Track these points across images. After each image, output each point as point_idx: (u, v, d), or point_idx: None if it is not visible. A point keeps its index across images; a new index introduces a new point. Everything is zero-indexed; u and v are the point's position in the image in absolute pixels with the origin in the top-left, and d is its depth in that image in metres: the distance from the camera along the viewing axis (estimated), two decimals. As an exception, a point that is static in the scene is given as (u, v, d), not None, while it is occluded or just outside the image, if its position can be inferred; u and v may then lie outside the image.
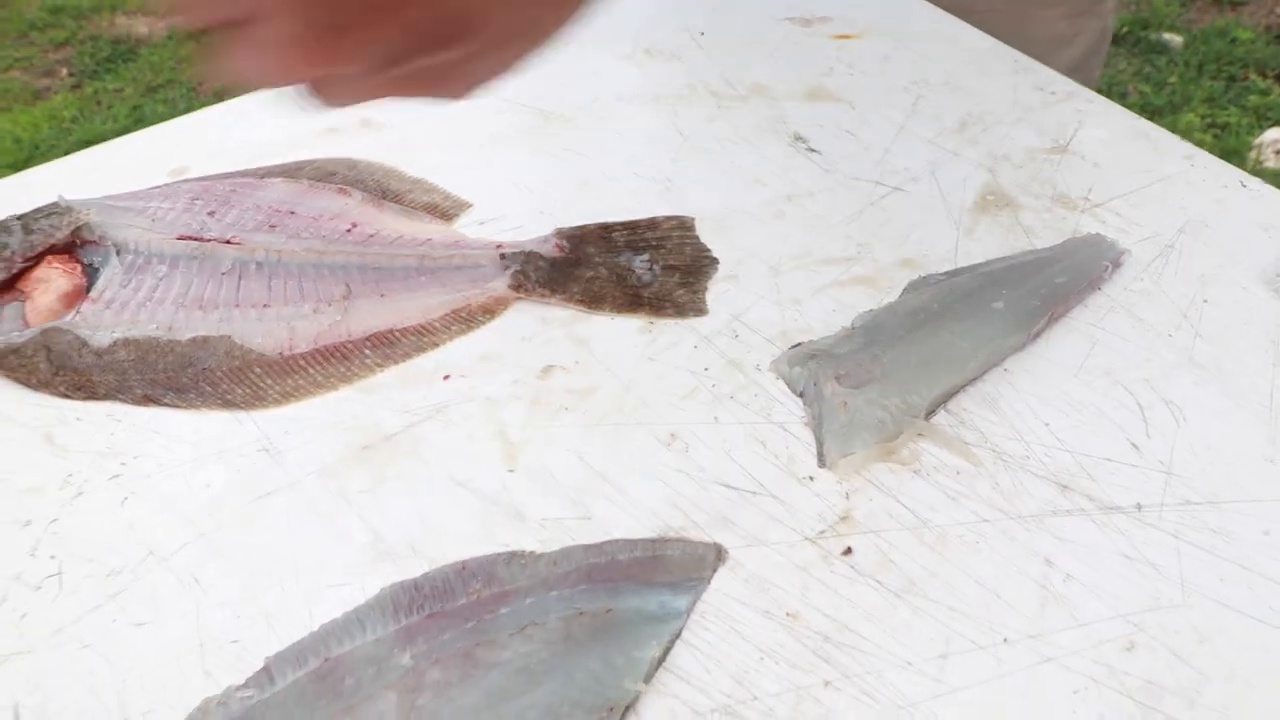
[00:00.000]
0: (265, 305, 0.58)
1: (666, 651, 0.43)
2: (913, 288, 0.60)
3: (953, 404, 0.54)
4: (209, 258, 0.59)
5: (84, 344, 0.55)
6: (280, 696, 0.41)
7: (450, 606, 0.43)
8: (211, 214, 0.62)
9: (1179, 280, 0.62)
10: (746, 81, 0.79)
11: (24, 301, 0.57)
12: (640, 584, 0.45)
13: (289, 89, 0.37)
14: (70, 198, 0.62)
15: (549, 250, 0.62)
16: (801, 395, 0.54)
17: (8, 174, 0.71)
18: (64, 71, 2.73)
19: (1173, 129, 1.95)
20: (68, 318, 0.56)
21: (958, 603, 0.46)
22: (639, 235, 0.64)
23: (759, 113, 0.75)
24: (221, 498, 0.50)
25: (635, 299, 0.60)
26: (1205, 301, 0.61)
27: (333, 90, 0.37)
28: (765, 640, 0.44)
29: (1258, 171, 2.18)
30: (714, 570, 0.46)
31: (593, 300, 0.60)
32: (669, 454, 0.52)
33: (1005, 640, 0.44)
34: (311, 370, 0.55)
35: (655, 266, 0.62)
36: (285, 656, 0.42)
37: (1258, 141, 2.32)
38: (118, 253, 0.59)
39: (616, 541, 0.47)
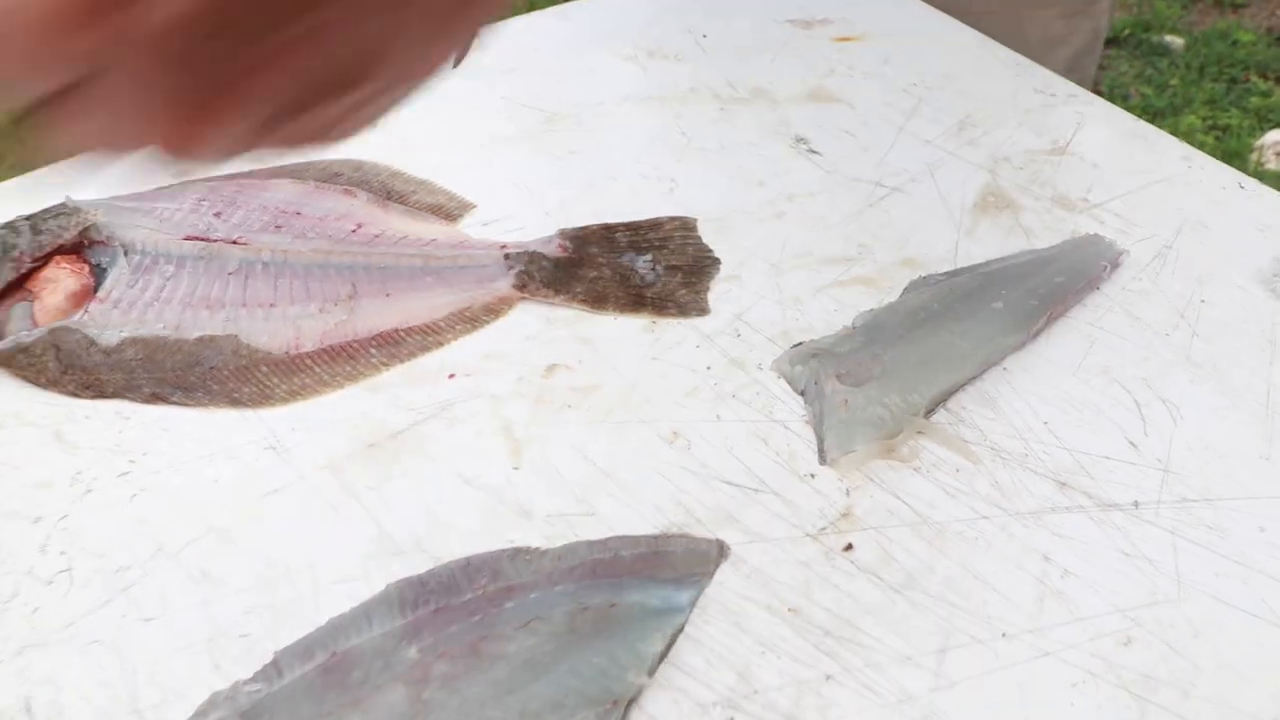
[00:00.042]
0: (271, 305, 0.58)
1: (670, 645, 0.44)
2: (913, 287, 0.61)
3: (952, 402, 0.55)
4: (215, 258, 0.60)
5: (92, 343, 0.56)
6: (288, 690, 0.42)
7: (456, 601, 0.44)
8: (218, 214, 0.62)
9: (1177, 280, 0.63)
10: (748, 83, 0.79)
11: (33, 301, 0.58)
12: (644, 579, 0.45)
13: (138, 153, 0.32)
14: (78, 198, 0.62)
15: (553, 251, 0.63)
16: (803, 393, 0.55)
17: (16, 175, 0.72)
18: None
19: (1174, 131, 1.96)
20: (76, 317, 0.57)
21: (957, 598, 0.46)
22: (642, 236, 0.64)
23: (761, 114, 0.76)
24: (229, 494, 0.51)
25: (638, 299, 0.61)
26: (1203, 301, 0.61)
27: (195, 150, 0.32)
28: (767, 634, 0.45)
29: (1259, 173, 2.19)
30: (716, 566, 0.47)
31: (596, 300, 0.60)
32: (672, 451, 0.52)
33: (1004, 635, 0.45)
34: (318, 369, 0.56)
35: (658, 267, 0.62)
36: (293, 650, 0.43)
37: (1259, 143, 2.32)
38: (125, 253, 0.59)
39: (620, 538, 0.47)
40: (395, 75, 0.33)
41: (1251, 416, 0.55)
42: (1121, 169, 0.71)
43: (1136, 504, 0.50)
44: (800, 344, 0.57)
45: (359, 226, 0.63)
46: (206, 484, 0.51)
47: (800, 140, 0.73)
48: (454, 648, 0.42)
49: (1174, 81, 2.54)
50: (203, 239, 0.60)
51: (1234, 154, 2.27)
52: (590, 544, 0.47)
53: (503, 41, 0.84)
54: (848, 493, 0.50)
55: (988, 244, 0.65)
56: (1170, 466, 0.52)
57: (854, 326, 0.58)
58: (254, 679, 0.42)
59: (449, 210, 0.66)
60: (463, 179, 0.69)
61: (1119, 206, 0.68)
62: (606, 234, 0.64)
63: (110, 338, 0.56)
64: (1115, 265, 0.63)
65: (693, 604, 0.45)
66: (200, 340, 0.56)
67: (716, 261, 0.63)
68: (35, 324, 0.57)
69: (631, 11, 0.88)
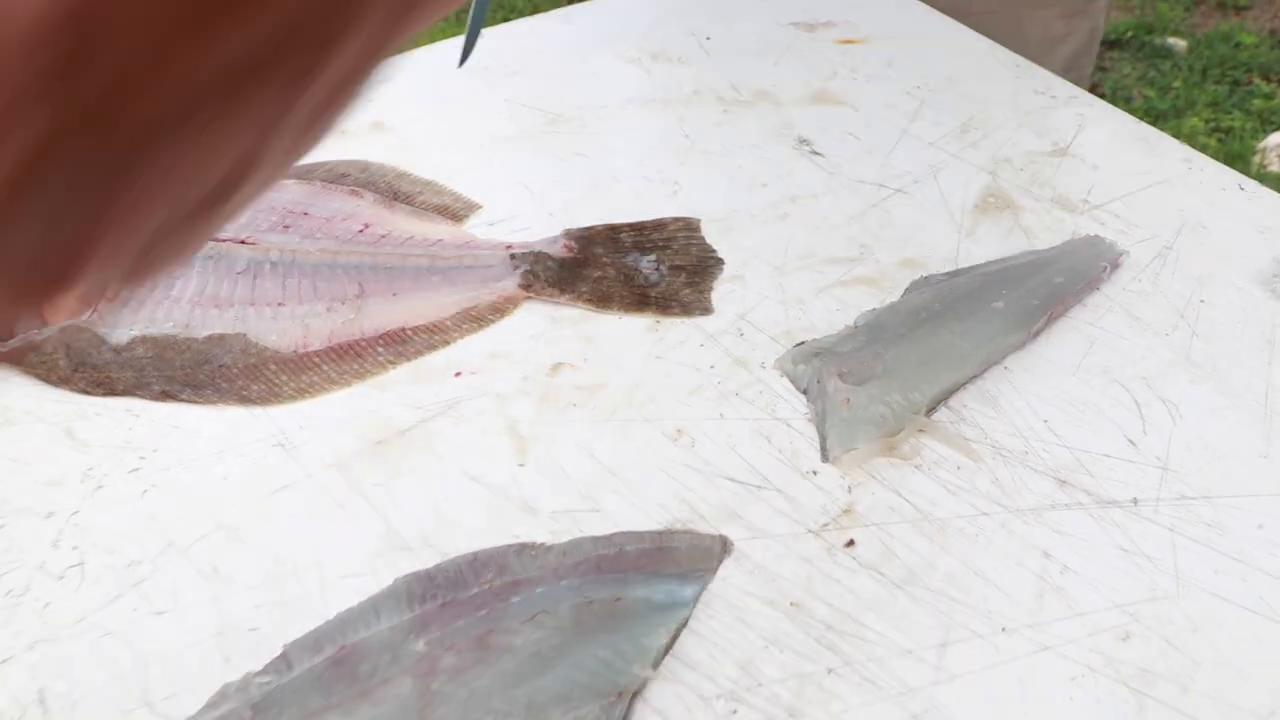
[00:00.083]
0: (280, 304, 0.59)
1: (674, 639, 0.44)
2: (914, 287, 0.61)
3: (953, 401, 0.55)
4: (224, 257, 0.60)
5: (103, 341, 0.57)
6: (298, 682, 0.42)
7: (463, 595, 0.45)
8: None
9: (1176, 280, 0.63)
10: (752, 86, 0.80)
11: (44, 300, 0.58)
12: (648, 574, 0.46)
13: None
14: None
15: (558, 251, 0.63)
16: (805, 392, 0.56)
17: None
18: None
19: (1177, 133, 1.96)
20: (86, 316, 0.58)
21: (957, 593, 0.47)
22: (646, 236, 0.65)
23: (764, 117, 0.77)
24: (238, 491, 0.51)
25: (642, 298, 0.61)
26: (1202, 301, 0.62)
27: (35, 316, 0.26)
28: (770, 629, 0.45)
29: (1262, 176, 2.19)
30: (720, 561, 0.47)
31: (601, 299, 0.61)
32: (676, 449, 0.53)
33: (1004, 629, 0.45)
34: (326, 367, 0.57)
35: (662, 267, 0.63)
36: (303, 643, 0.44)
37: (1262, 145, 2.33)
38: (136, 252, 0.60)
39: (625, 533, 0.48)
40: (269, 175, 0.27)
41: (1250, 416, 0.56)
42: (1122, 170, 0.72)
43: (1136, 501, 0.51)
44: (803, 343, 0.58)
45: (366, 227, 0.64)
46: (216, 481, 0.52)
47: (803, 142, 0.74)
48: (461, 641, 0.43)
49: (1177, 84, 2.54)
50: (213, 240, 0.61)
51: (1237, 156, 2.28)
52: (595, 540, 0.48)
53: (507, 44, 0.84)
54: (850, 490, 0.51)
55: (989, 245, 0.65)
56: (1169, 465, 0.53)
57: (856, 326, 0.59)
58: (264, 671, 0.43)
59: (455, 211, 0.67)
60: (468, 180, 0.69)
61: (1119, 208, 0.68)
62: (611, 234, 0.65)
63: (120, 336, 0.57)
64: (1115, 266, 0.63)
65: (696, 599, 0.46)
66: (209, 339, 0.57)
67: (720, 262, 0.64)
68: (46, 323, 0.57)
69: (635, 14, 0.89)
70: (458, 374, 0.57)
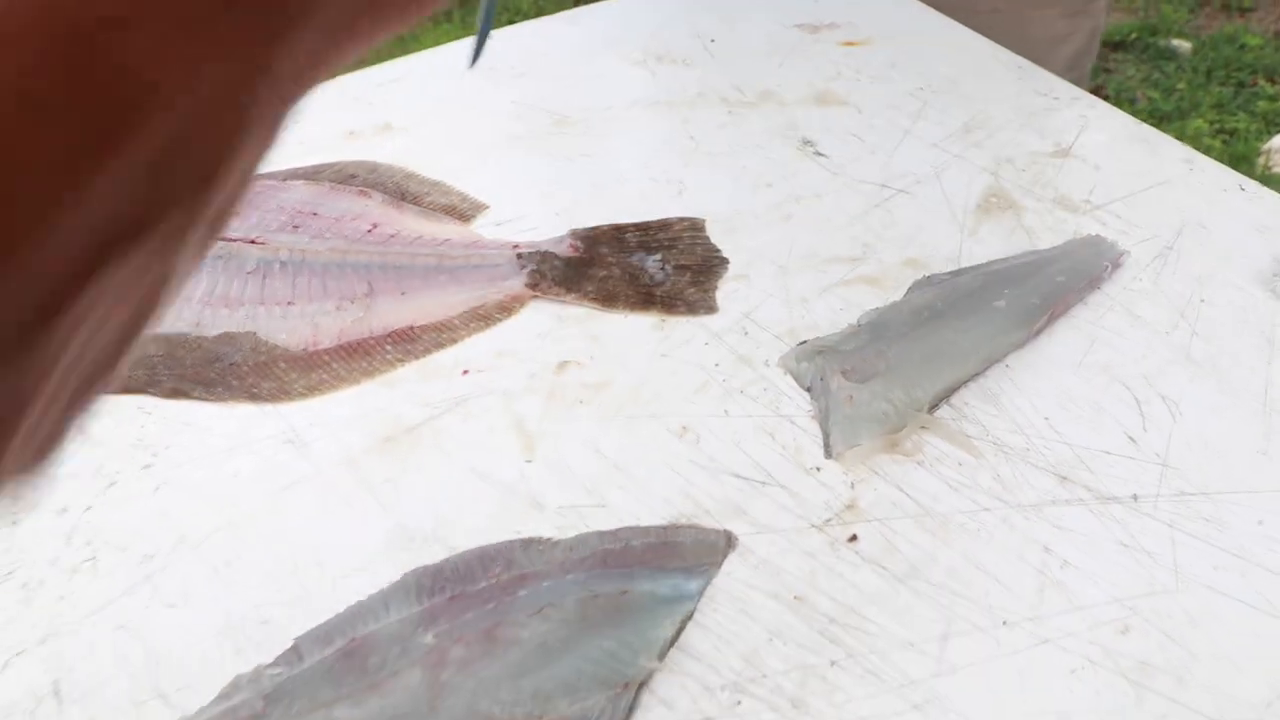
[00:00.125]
0: (289, 303, 0.60)
1: (679, 631, 0.45)
2: (917, 287, 0.62)
3: (955, 398, 0.56)
4: (234, 257, 0.61)
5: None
6: (308, 673, 0.43)
7: (471, 589, 0.45)
8: (235, 215, 0.64)
9: (1177, 280, 0.64)
10: (756, 87, 0.81)
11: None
12: (654, 569, 0.47)
13: None
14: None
15: (564, 250, 0.64)
16: (809, 389, 0.56)
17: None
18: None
19: (1181, 135, 1.96)
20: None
21: (959, 587, 0.47)
22: (651, 236, 0.66)
23: (768, 118, 0.77)
24: (249, 487, 0.52)
25: (648, 297, 0.62)
26: (1202, 301, 0.62)
27: None
28: (774, 622, 0.46)
29: (1266, 177, 2.19)
30: (725, 556, 0.48)
31: (607, 298, 0.62)
32: (681, 445, 0.54)
33: (1004, 623, 0.46)
34: (335, 365, 0.57)
35: (667, 266, 0.64)
36: (313, 636, 0.44)
37: (1266, 147, 2.33)
38: (147, 252, 0.61)
39: (630, 528, 0.49)
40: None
41: (1250, 413, 0.56)
42: (1123, 171, 0.72)
43: (1135, 497, 0.51)
44: (806, 341, 0.58)
45: (374, 226, 0.64)
46: (227, 477, 0.52)
47: (807, 143, 0.75)
48: (469, 633, 0.43)
49: (1181, 85, 2.54)
50: (221, 239, 0.62)
51: (1241, 158, 2.28)
52: (601, 534, 0.48)
53: (513, 46, 0.85)
54: (852, 485, 0.52)
55: (991, 244, 0.66)
56: (1169, 461, 0.53)
57: (859, 324, 0.59)
58: (275, 663, 0.43)
59: (462, 211, 0.68)
60: (475, 180, 0.70)
61: (1120, 208, 0.69)
62: (617, 234, 0.66)
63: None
64: (1116, 265, 0.64)
65: (701, 592, 0.46)
66: (220, 337, 0.58)
67: (725, 261, 0.64)
68: None
69: (640, 17, 0.89)
70: (465, 372, 0.57)
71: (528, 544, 0.48)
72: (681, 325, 0.60)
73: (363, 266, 0.62)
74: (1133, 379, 0.57)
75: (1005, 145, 0.74)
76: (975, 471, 0.52)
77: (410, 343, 0.59)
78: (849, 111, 0.78)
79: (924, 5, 0.91)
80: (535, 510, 0.50)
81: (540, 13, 0.92)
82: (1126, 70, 2.60)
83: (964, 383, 0.56)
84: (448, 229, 0.65)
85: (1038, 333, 0.59)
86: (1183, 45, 2.68)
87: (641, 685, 0.43)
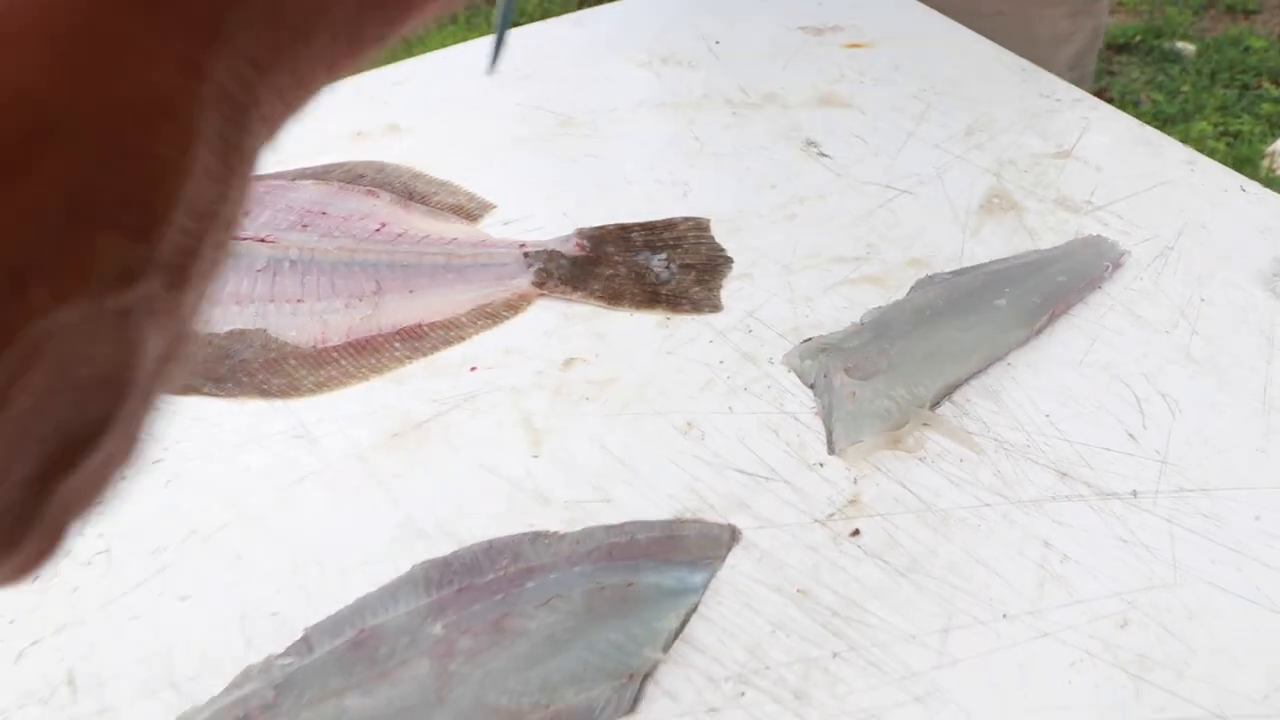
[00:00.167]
0: (299, 300, 0.60)
1: (684, 624, 0.45)
2: (919, 286, 0.63)
3: (957, 395, 0.57)
4: (244, 256, 0.62)
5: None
6: (319, 663, 0.43)
7: (479, 581, 0.46)
8: (245, 213, 0.64)
9: (1178, 280, 0.64)
10: (760, 89, 0.81)
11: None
12: (659, 561, 0.47)
13: None
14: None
15: (570, 249, 0.65)
16: (812, 387, 0.57)
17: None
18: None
19: (1185, 137, 1.97)
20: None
21: (960, 581, 0.48)
22: (657, 235, 0.66)
23: (772, 119, 0.78)
24: (259, 482, 0.53)
25: (653, 296, 0.62)
26: (1203, 300, 0.63)
27: None
28: (777, 615, 0.47)
29: (1270, 180, 2.20)
30: (728, 549, 0.49)
31: (612, 297, 0.62)
32: (686, 441, 0.54)
33: (1005, 616, 0.47)
34: (344, 362, 0.58)
35: (672, 265, 0.64)
36: (323, 627, 0.45)
37: (1270, 149, 2.33)
38: (159, 250, 0.61)
39: (636, 522, 0.49)
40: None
41: (1249, 411, 0.57)
42: (1125, 172, 0.73)
43: (1135, 493, 0.52)
44: (810, 339, 0.59)
45: (382, 226, 0.65)
46: (237, 472, 0.53)
47: (811, 144, 0.75)
48: (477, 624, 0.44)
49: (1185, 88, 2.55)
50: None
51: (1245, 160, 2.28)
52: (607, 528, 0.49)
53: (518, 48, 0.86)
54: (855, 481, 0.52)
55: (993, 245, 0.66)
56: (1168, 458, 0.54)
57: (862, 323, 0.60)
58: (286, 653, 0.44)
59: (469, 210, 0.68)
60: (482, 181, 0.71)
61: (1122, 209, 0.70)
62: (622, 234, 0.66)
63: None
64: (1117, 265, 0.64)
65: (706, 585, 0.47)
66: (230, 334, 0.59)
67: (729, 260, 0.65)
68: None
69: (645, 19, 0.90)
70: (473, 368, 0.58)
71: (535, 537, 0.48)
72: (686, 323, 0.61)
73: (371, 265, 0.62)
74: (1133, 377, 0.58)
75: (1007, 147, 0.75)
76: (976, 467, 0.53)
77: (418, 340, 0.59)
78: (852, 113, 0.79)
79: (927, 8, 0.91)
80: (542, 505, 0.51)
81: (545, 15, 0.93)
82: (1131, 73, 2.61)
83: (966, 380, 0.57)
84: (455, 228, 0.66)
85: (1039, 331, 0.60)
86: (1187, 48, 2.69)
87: (647, 676, 0.44)
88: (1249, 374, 0.59)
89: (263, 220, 0.64)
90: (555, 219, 0.68)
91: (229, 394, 0.57)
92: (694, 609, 0.46)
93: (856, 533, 0.50)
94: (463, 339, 0.60)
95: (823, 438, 0.54)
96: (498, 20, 0.35)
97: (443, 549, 0.49)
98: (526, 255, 0.64)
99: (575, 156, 0.74)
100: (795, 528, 0.50)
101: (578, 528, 0.50)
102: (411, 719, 0.42)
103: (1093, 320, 0.61)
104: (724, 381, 0.57)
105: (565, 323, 0.61)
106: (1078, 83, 0.85)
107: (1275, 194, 0.72)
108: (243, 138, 0.20)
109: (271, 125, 0.21)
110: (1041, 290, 0.61)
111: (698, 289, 0.63)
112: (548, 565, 0.47)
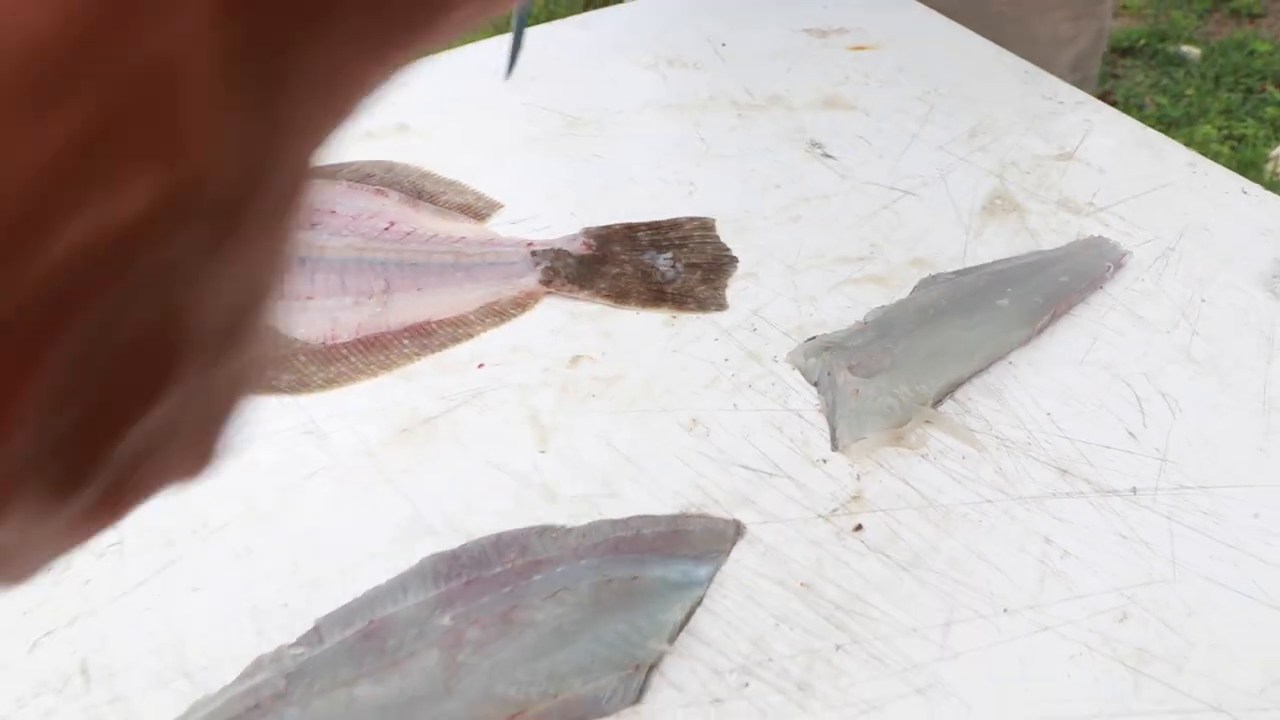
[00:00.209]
0: (308, 297, 0.61)
1: (689, 616, 0.46)
2: (923, 285, 0.63)
3: (959, 394, 0.57)
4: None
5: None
6: (329, 654, 0.44)
7: (487, 574, 0.47)
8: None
9: (1179, 281, 0.65)
10: (765, 91, 0.82)
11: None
12: (664, 555, 0.48)
13: None
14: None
15: (577, 248, 0.65)
16: (816, 384, 0.57)
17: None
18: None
19: (1189, 141, 1.97)
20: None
21: (961, 576, 0.49)
22: (663, 235, 0.67)
23: (778, 121, 0.79)
24: (269, 477, 0.53)
25: (659, 294, 0.63)
26: (1203, 301, 0.64)
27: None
28: (781, 608, 0.47)
29: (1274, 183, 2.20)
30: (733, 544, 0.49)
31: (619, 295, 0.63)
32: (691, 438, 0.55)
33: (1005, 610, 0.47)
34: (353, 358, 0.59)
35: (678, 264, 0.65)
36: (333, 618, 0.46)
37: (1275, 153, 2.33)
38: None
39: (641, 517, 0.50)
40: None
41: (1249, 411, 0.57)
42: (1127, 174, 0.73)
43: (1135, 490, 0.53)
44: (814, 338, 0.60)
45: (391, 224, 0.66)
46: (247, 467, 0.54)
47: (816, 146, 0.76)
48: (485, 616, 0.45)
49: (1190, 91, 2.55)
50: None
51: (1249, 164, 2.29)
52: (613, 523, 0.50)
53: (526, 49, 0.87)
54: (858, 477, 0.53)
55: (995, 245, 0.67)
56: (1168, 456, 0.54)
57: (866, 322, 0.61)
58: (297, 644, 0.45)
59: (477, 210, 0.69)
60: (490, 180, 0.71)
61: (1124, 210, 0.70)
62: (629, 233, 0.67)
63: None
64: (1119, 266, 0.65)
65: (711, 578, 0.48)
66: (241, 331, 0.59)
67: (734, 260, 0.66)
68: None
69: (651, 21, 0.91)
70: (480, 365, 0.59)
71: (542, 531, 0.49)
72: (692, 322, 0.62)
73: (380, 263, 0.63)
74: (1133, 376, 0.59)
75: (1010, 149, 0.76)
76: (978, 464, 0.54)
77: (427, 337, 0.60)
78: (857, 115, 0.79)
79: (931, 10, 0.92)
80: (549, 500, 0.52)
81: (551, 17, 0.93)
82: (1135, 76, 2.61)
83: (968, 379, 0.58)
84: (463, 227, 0.67)
85: (1040, 331, 0.61)
86: (1192, 51, 2.69)
87: (652, 667, 0.44)
88: (1249, 374, 0.59)
89: (273, 219, 0.65)
90: (562, 218, 0.69)
91: (240, 390, 0.57)
92: (699, 602, 0.47)
93: (859, 528, 0.51)
94: (471, 336, 0.61)
95: (826, 435, 0.55)
96: (514, 25, 0.35)
97: (451, 544, 0.49)
98: (534, 254, 0.65)
99: (582, 157, 0.75)
100: (799, 523, 0.51)
101: (584, 522, 0.50)
102: (420, 708, 0.42)
103: (1094, 320, 0.62)
104: (729, 379, 0.58)
105: (572, 321, 0.62)
106: (1081, 85, 0.86)
107: (1276, 196, 0.72)
108: (287, 98, 0.18)
109: (320, 104, 0.19)
110: (1043, 290, 0.62)
111: (703, 288, 0.64)
112: (555, 559, 0.47)
